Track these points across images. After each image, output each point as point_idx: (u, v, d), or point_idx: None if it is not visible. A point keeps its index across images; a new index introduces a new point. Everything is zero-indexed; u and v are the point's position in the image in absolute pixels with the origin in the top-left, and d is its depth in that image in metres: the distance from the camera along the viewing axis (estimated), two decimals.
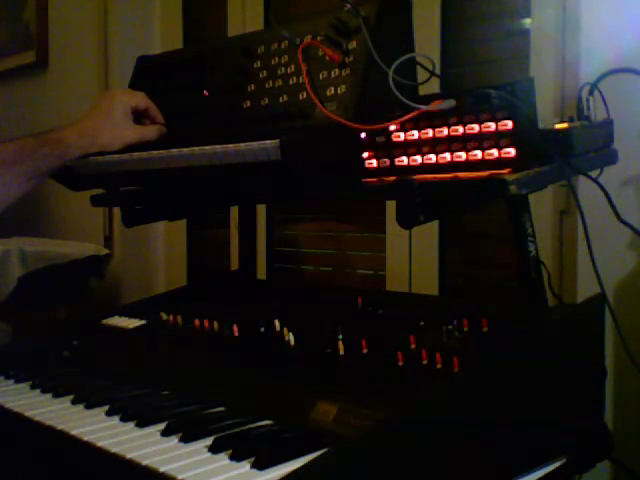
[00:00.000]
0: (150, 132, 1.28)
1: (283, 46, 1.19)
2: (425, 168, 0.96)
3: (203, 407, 0.98)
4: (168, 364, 1.15)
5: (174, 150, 1.12)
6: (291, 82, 1.15)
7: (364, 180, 1.02)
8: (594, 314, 1.02)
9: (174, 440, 0.87)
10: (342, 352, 1.00)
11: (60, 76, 2.75)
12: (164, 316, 1.28)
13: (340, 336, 1.03)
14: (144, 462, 0.80)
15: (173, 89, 1.35)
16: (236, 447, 0.81)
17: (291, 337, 1.08)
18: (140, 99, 1.30)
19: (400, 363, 0.94)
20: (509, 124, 0.89)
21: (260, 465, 0.77)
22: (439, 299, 1.54)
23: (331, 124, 1.02)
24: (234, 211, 2.04)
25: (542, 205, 1.50)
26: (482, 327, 0.99)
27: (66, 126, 1.26)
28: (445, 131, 0.95)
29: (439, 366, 0.91)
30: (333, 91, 1.07)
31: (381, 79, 1.00)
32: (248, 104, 1.20)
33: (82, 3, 2.61)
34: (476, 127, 0.92)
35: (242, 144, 1.02)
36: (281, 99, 1.15)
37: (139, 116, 1.30)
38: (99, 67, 2.51)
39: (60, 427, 0.94)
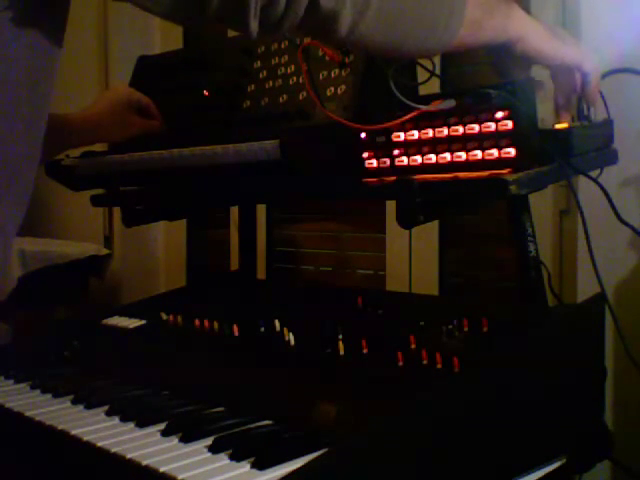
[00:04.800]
0: (152, 125, 1.29)
1: (283, 46, 1.19)
2: (425, 168, 0.96)
3: (203, 407, 0.98)
4: (168, 364, 1.15)
5: (174, 150, 1.12)
6: (291, 82, 1.15)
7: (364, 180, 1.02)
8: (594, 314, 1.02)
9: (174, 440, 0.87)
10: (342, 352, 1.00)
11: (60, 76, 2.74)
12: (164, 316, 1.28)
13: (340, 336, 1.03)
14: (144, 462, 0.80)
15: (173, 89, 1.35)
16: (236, 447, 0.81)
17: (291, 337, 1.08)
18: (142, 95, 1.31)
19: (400, 363, 0.94)
20: (509, 124, 0.89)
21: (260, 465, 0.77)
22: (439, 299, 1.54)
23: (331, 124, 1.02)
24: (234, 211, 2.03)
25: (542, 205, 1.50)
26: (482, 327, 0.99)
27: (69, 113, 1.25)
28: (445, 131, 0.95)
29: (439, 366, 0.91)
30: (333, 91, 1.07)
31: (381, 79, 0.99)
32: (248, 104, 1.20)
33: (82, 3, 2.61)
34: (476, 127, 0.92)
35: (242, 144, 1.02)
36: (281, 99, 1.15)
37: (139, 112, 1.31)
38: (99, 67, 2.51)
39: (60, 427, 0.94)
